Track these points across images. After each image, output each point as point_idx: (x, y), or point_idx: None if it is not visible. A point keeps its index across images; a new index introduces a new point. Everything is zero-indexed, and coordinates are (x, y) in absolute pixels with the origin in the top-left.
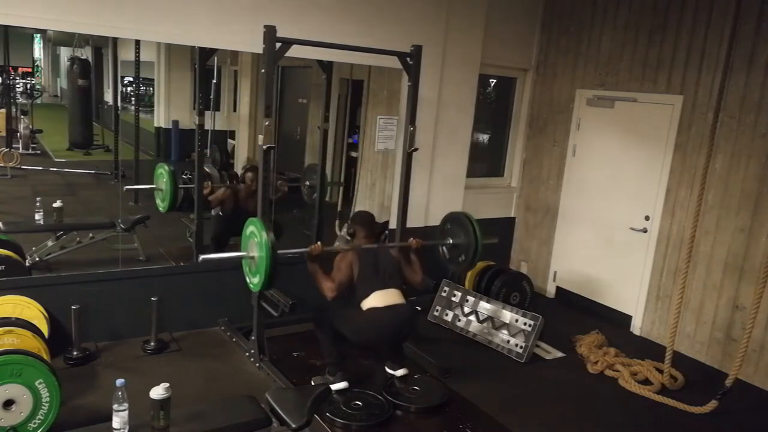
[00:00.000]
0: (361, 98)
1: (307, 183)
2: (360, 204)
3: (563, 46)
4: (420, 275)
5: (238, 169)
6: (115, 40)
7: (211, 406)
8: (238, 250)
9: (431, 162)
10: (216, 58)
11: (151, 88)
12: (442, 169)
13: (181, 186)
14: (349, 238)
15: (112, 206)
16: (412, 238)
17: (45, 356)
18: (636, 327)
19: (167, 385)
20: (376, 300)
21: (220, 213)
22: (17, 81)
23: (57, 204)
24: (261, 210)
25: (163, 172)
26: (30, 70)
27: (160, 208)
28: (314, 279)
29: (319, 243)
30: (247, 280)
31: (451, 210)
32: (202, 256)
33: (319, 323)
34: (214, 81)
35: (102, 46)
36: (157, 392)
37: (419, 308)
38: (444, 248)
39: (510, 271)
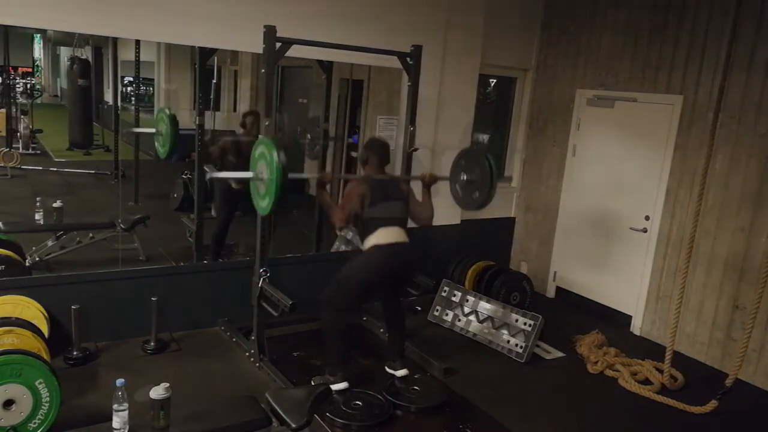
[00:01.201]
0: (361, 98)
1: (309, 136)
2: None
3: (563, 46)
4: (429, 211)
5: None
6: (115, 39)
7: (211, 406)
8: (237, 251)
9: (431, 162)
10: (216, 58)
11: (151, 88)
12: (442, 168)
13: (181, 130)
14: (361, 162)
15: (112, 206)
16: (424, 172)
17: (45, 356)
18: (636, 327)
19: (167, 385)
20: (381, 237)
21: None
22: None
23: (57, 204)
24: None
25: (163, 116)
26: (30, 70)
27: (159, 153)
28: (323, 207)
29: (329, 170)
30: (255, 203)
31: (452, 209)
32: (209, 174)
33: (328, 323)
34: (214, 81)
35: (102, 45)
36: (157, 392)
37: (419, 308)
38: (457, 186)
39: (510, 271)
